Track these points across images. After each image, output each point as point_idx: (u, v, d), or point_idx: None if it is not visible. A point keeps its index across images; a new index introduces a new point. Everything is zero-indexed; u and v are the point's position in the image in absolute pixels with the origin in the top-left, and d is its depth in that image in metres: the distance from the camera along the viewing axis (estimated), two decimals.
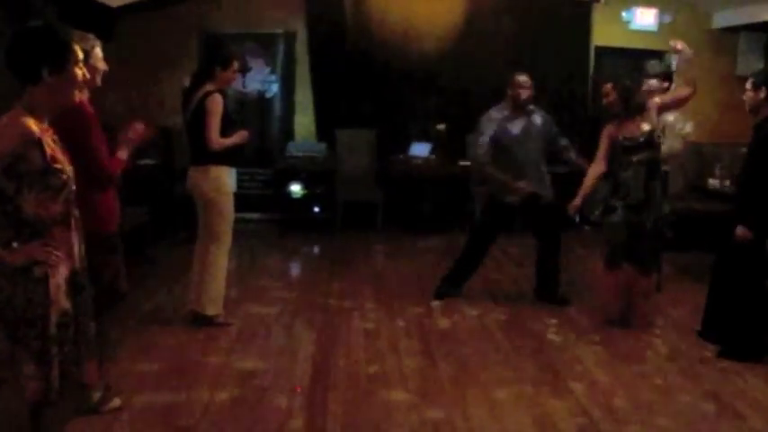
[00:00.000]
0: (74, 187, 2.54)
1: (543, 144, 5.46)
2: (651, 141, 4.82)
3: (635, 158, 4.80)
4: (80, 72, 2.54)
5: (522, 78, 5.28)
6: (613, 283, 5.05)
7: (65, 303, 2.45)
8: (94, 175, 3.23)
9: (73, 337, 2.49)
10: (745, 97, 4.50)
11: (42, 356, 2.39)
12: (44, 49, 2.42)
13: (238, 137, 4.69)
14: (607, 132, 4.94)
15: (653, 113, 4.88)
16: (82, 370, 2.64)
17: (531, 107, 5.38)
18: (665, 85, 5.79)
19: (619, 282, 5.04)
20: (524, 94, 5.28)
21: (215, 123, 4.52)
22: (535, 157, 5.38)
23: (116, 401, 3.53)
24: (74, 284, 2.52)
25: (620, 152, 4.87)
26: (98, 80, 3.40)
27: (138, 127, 3.52)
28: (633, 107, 4.83)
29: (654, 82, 5.73)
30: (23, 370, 2.40)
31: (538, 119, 5.42)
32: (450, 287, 5.62)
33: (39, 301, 2.37)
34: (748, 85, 4.46)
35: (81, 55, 2.56)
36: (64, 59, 2.45)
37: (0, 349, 2.40)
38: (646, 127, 4.82)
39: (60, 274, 2.44)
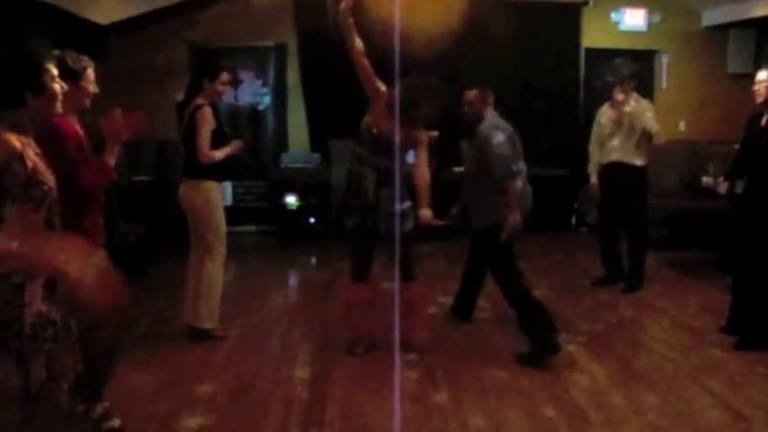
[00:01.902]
0: (55, 196, 2.63)
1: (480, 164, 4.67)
2: (388, 151, 4.31)
3: (375, 160, 4.36)
4: (57, 86, 2.69)
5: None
6: (358, 298, 4.52)
7: (40, 306, 2.55)
8: (78, 189, 3.12)
9: (53, 336, 2.59)
10: (756, 86, 4.54)
11: (19, 354, 2.53)
12: (24, 75, 2.58)
13: (232, 147, 4.70)
14: (379, 92, 4.40)
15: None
16: (63, 366, 2.70)
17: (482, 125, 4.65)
18: (633, 84, 5.80)
19: (365, 297, 4.53)
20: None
21: (205, 136, 4.53)
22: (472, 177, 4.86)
23: (116, 421, 3.50)
24: (52, 288, 2.62)
25: (366, 146, 4.41)
26: (87, 102, 3.35)
27: (116, 114, 3.22)
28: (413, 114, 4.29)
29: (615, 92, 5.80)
30: (7, 366, 2.59)
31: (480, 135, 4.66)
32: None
33: (15, 304, 2.49)
34: (762, 76, 4.52)
35: (55, 71, 2.69)
36: (43, 80, 2.61)
37: None
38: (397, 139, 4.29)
39: (38, 281, 2.55)
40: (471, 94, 4.69)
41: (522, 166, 4.65)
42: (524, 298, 4.51)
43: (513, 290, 4.54)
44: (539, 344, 4.37)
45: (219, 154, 4.60)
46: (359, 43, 4.31)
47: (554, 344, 4.35)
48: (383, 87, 4.41)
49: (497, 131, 4.52)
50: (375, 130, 4.36)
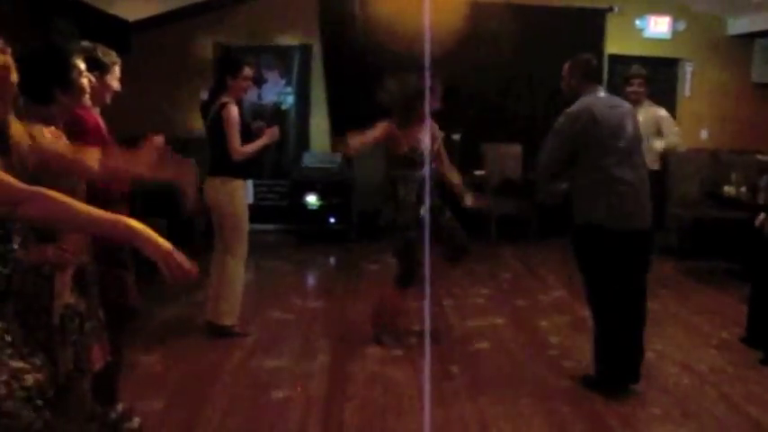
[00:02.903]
0: (83, 190, 2.70)
1: None
2: (423, 159, 4.47)
3: (414, 174, 4.54)
4: (86, 81, 2.77)
5: None
6: (401, 304, 4.80)
7: (69, 298, 2.61)
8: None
9: (79, 328, 2.64)
10: None
11: (47, 344, 2.55)
12: (53, 71, 2.64)
13: (268, 135, 4.74)
14: (388, 131, 4.59)
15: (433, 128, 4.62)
16: (90, 357, 2.74)
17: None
18: (642, 89, 6.06)
19: (405, 302, 4.78)
20: None
21: (234, 133, 4.57)
22: None
23: (135, 421, 3.49)
24: (81, 280, 2.69)
25: (402, 164, 4.58)
26: (108, 98, 3.37)
27: (158, 140, 3.18)
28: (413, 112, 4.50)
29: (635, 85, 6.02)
30: (35, 356, 2.54)
31: None
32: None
33: (44, 295, 2.53)
34: None
35: (83, 66, 2.76)
36: (71, 76, 2.69)
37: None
38: (426, 141, 4.49)
39: (67, 273, 2.61)
40: (563, 67, 4.02)
41: (617, 170, 3.83)
42: (608, 316, 3.96)
43: (600, 301, 4.03)
44: (601, 372, 4.00)
45: (252, 148, 4.64)
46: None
47: (614, 382, 3.96)
48: (383, 125, 4.63)
49: (567, 112, 3.89)
50: (407, 148, 4.51)
